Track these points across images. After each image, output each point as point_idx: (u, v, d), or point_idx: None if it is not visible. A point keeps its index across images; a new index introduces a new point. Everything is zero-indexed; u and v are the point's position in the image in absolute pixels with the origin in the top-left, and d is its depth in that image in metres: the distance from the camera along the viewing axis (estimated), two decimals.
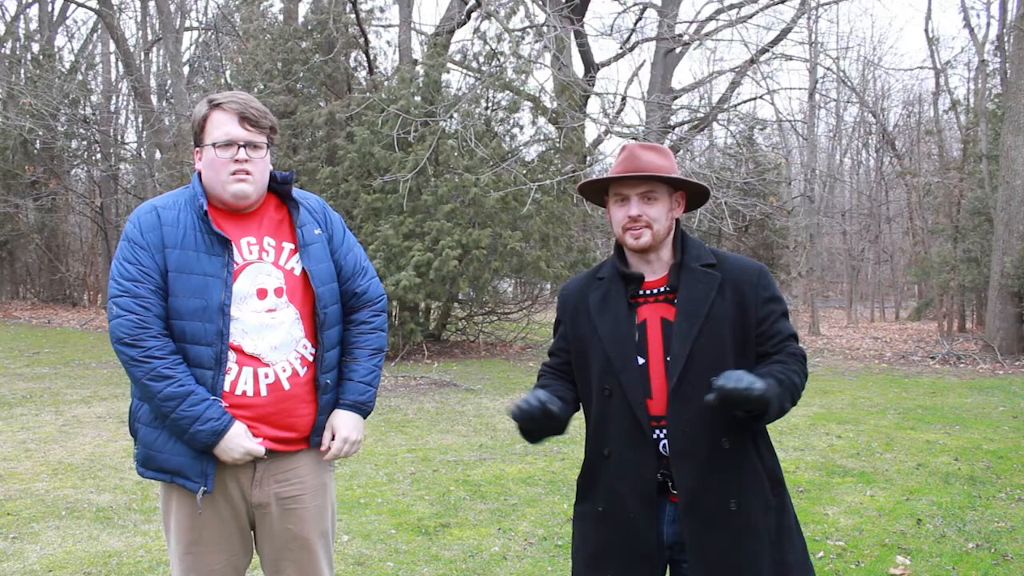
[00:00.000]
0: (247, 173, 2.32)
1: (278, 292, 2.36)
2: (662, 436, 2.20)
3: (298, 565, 2.44)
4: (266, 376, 2.31)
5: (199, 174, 2.39)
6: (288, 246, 2.40)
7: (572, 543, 2.41)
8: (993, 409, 8.70)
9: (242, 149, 2.31)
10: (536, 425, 2.19)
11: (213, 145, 2.31)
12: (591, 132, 16.41)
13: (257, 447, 2.27)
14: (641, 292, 2.28)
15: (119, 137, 23.33)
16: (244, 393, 2.30)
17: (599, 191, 2.37)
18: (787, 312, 2.33)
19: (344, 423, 2.42)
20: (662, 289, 2.27)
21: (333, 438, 2.42)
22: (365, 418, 2.48)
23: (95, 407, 8.40)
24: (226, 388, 2.29)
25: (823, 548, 4.48)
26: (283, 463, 2.39)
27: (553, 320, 2.51)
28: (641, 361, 2.22)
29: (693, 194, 2.35)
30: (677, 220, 2.34)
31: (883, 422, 8.00)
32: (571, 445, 6.87)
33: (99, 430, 7.33)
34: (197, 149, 2.38)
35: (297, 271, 2.39)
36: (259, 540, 2.45)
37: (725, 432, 2.19)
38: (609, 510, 2.25)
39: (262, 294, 2.34)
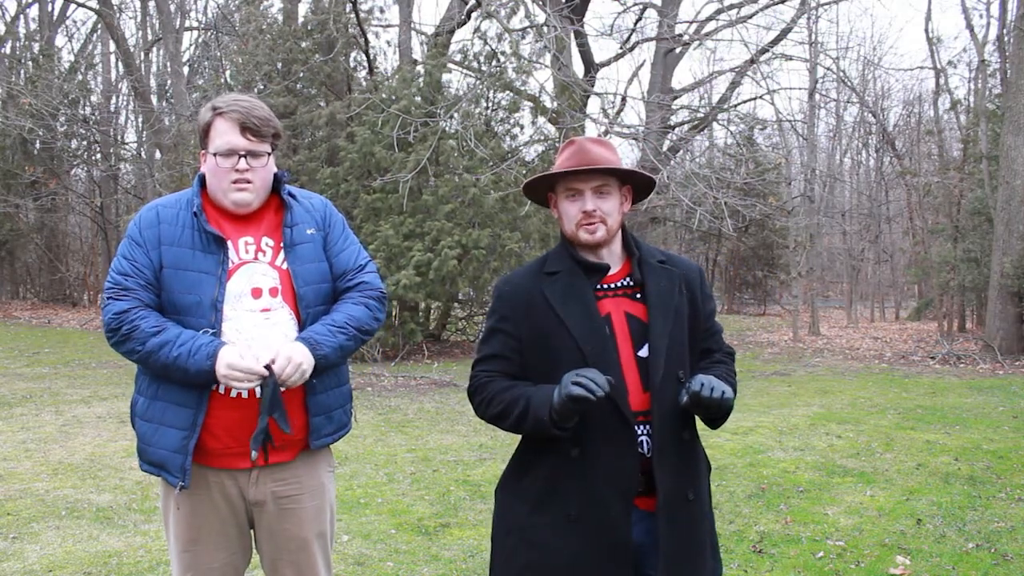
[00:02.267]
0: (247, 182, 2.34)
1: (273, 292, 2.35)
2: (642, 433, 2.15)
3: (295, 566, 2.44)
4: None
5: (202, 175, 2.40)
6: (283, 245, 2.42)
7: (508, 562, 2.21)
8: (993, 409, 8.70)
9: (243, 159, 2.32)
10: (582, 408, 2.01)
11: (215, 154, 2.33)
12: (591, 132, 16.41)
13: (228, 371, 2.17)
14: (600, 287, 2.24)
15: (119, 137, 23.33)
16: (240, 395, 2.29)
17: (543, 189, 2.31)
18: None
19: (289, 347, 2.25)
20: (623, 283, 2.25)
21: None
22: (315, 358, 2.27)
23: (95, 407, 8.40)
24: (220, 391, 2.29)
25: (823, 548, 4.48)
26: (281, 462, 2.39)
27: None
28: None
29: (637, 189, 2.35)
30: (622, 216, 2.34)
31: (883, 422, 8.00)
32: None
33: (99, 430, 7.33)
34: (203, 151, 2.39)
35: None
36: (258, 539, 2.46)
37: (686, 425, 2.23)
38: (584, 514, 2.12)
39: (256, 293, 2.34)
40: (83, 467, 6.08)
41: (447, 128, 12.31)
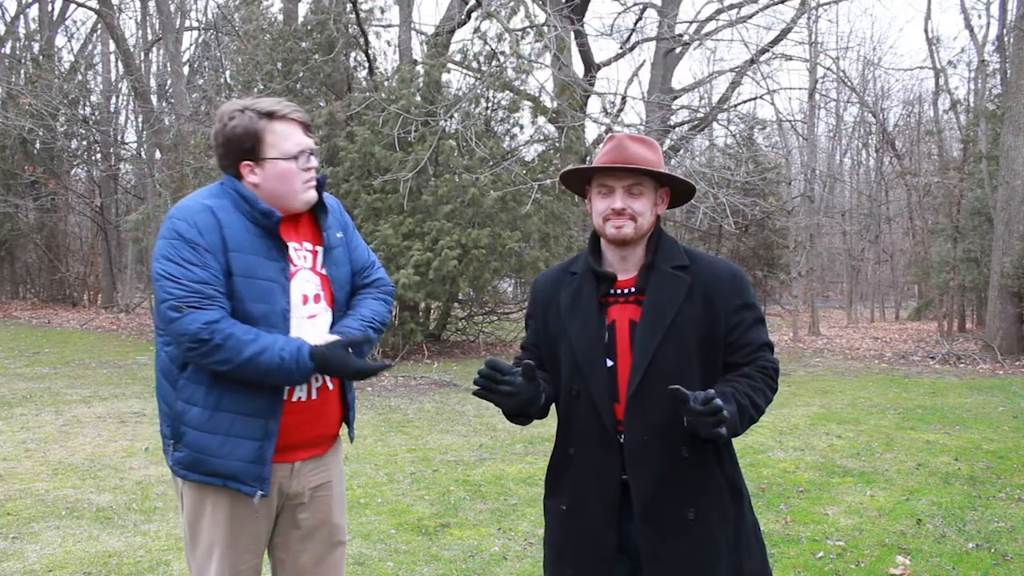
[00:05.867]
0: (313, 179, 2.36)
1: (316, 298, 2.38)
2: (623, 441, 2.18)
3: (316, 555, 2.46)
4: (315, 379, 2.35)
5: (240, 183, 2.31)
6: (320, 249, 2.43)
7: (544, 533, 2.41)
8: (993, 409, 8.70)
9: (311, 157, 2.34)
10: (505, 393, 2.10)
11: (292, 158, 2.29)
12: (591, 132, 16.42)
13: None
14: (612, 292, 2.23)
15: (119, 137, 23.31)
16: (299, 399, 2.34)
17: (581, 180, 2.30)
18: (762, 319, 2.26)
19: (326, 340, 2.32)
20: (631, 290, 2.22)
21: None
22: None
23: (95, 407, 8.40)
24: (283, 395, 2.32)
25: (823, 548, 4.48)
26: None
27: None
28: (610, 364, 2.18)
29: (677, 191, 2.30)
30: (658, 216, 2.27)
31: (883, 422, 8.00)
32: None
33: (99, 430, 7.32)
34: (248, 162, 2.29)
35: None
36: (279, 533, 2.45)
37: (684, 441, 2.14)
38: (572, 508, 2.23)
39: (304, 300, 2.36)
40: (83, 467, 6.08)
41: (447, 128, 12.31)
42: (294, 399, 2.33)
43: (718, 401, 1.97)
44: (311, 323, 2.35)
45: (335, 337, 2.30)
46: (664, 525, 2.15)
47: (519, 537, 4.68)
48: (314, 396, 2.36)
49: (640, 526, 2.15)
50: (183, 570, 4.16)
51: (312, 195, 2.35)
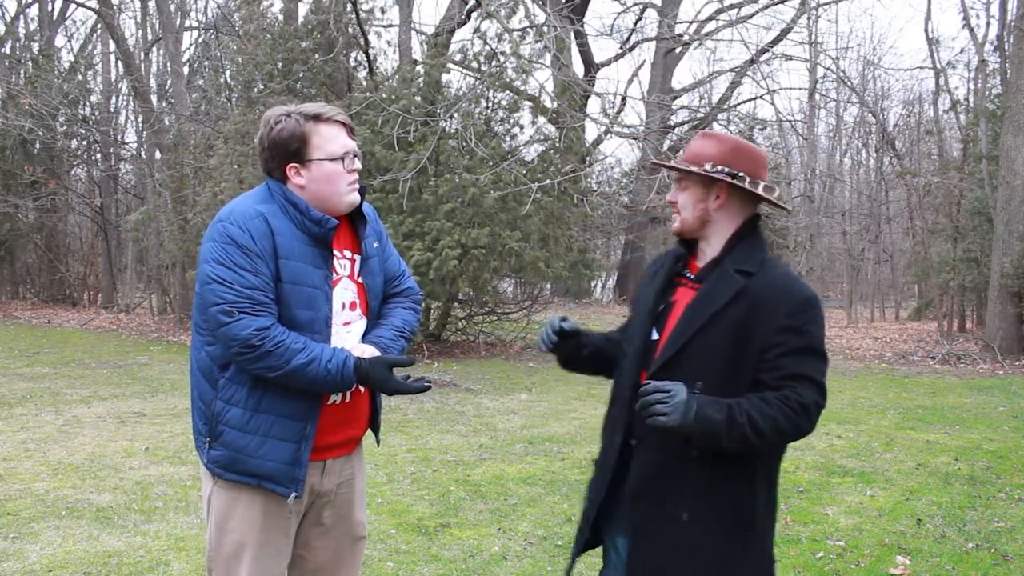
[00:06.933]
0: (356, 181, 2.39)
1: (352, 306, 2.42)
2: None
3: (337, 551, 2.49)
4: None
5: (288, 188, 2.34)
6: (358, 258, 2.46)
7: None
8: (993, 409, 8.70)
9: (355, 159, 2.37)
10: (563, 347, 2.46)
11: (338, 159, 2.33)
12: (591, 132, 16.43)
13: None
14: (686, 275, 2.33)
15: (119, 137, 23.31)
16: (335, 403, 2.38)
17: None
18: (811, 350, 2.11)
19: (361, 349, 2.38)
20: (696, 277, 2.30)
21: None
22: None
23: (95, 407, 8.40)
24: (322, 400, 2.35)
25: (823, 548, 4.49)
26: None
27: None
28: (655, 336, 2.26)
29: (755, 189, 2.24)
30: (751, 218, 2.24)
31: (883, 422, 8.00)
32: (571, 445, 6.87)
33: (99, 430, 7.32)
34: (295, 164, 2.32)
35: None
36: (301, 531, 2.45)
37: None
38: (598, 460, 2.38)
39: (342, 307, 2.39)
40: (83, 467, 6.07)
41: (447, 128, 12.31)
42: (329, 402, 2.37)
43: (669, 387, 2.04)
44: (347, 330, 2.39)
45: (376, 352, 2.35)
46: (652, 517, 2.17)
47: (519, 537, 4.68)
48: (347, 399, 2.41)
49: (629, 507, 2.22)
50: (183, 570, 4.16)
51: (355, 197, 2.38)
